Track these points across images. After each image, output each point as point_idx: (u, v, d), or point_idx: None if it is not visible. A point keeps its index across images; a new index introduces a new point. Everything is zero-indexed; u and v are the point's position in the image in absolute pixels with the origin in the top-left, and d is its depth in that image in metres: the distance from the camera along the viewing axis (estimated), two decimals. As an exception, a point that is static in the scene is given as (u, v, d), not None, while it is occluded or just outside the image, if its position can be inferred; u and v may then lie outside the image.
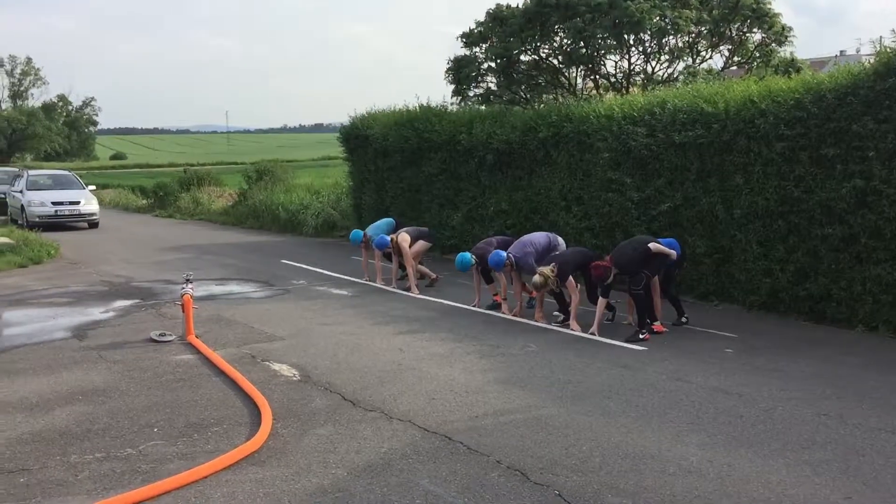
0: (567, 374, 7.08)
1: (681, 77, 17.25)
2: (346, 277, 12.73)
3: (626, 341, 8.17)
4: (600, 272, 8.45)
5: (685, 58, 17.70)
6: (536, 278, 8.78)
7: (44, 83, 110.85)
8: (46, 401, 6.51)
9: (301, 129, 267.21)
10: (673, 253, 8.63)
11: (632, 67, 18.02)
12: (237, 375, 7.00)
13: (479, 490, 4.65)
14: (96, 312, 10.21)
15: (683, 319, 8.96)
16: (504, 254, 9.50)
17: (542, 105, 16.85)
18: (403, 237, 11.34)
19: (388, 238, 11.47)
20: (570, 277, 8.83)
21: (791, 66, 16.57)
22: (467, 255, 10.01)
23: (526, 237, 9.93)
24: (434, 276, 11.80)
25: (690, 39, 17.47)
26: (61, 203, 22.34)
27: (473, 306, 10.16)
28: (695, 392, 6.49)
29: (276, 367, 7.49)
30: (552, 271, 8.71)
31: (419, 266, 11.79)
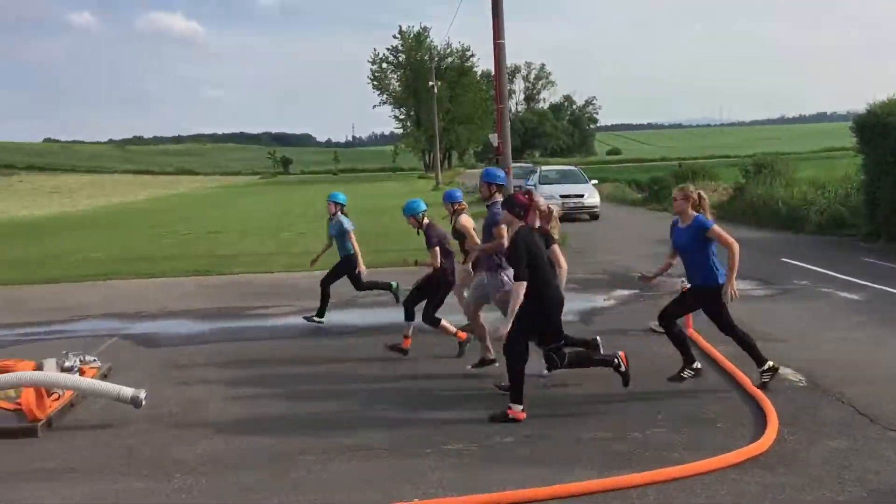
0: None
1: None
2: (855, 280, 11.61)
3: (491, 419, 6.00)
4: (519, 203, 6.12)
5: None
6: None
7: (553, 85, 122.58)
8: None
9: (800, 120, 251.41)
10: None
11: None
12: (738, 374, 6.88)
13: None
14: (599, 300, 10.91)
15: (684, 375, 6.81)
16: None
17: None
18: (468, 219, 8.51)
19: (459, 196, 8.56)
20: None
21: None
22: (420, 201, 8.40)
23: None
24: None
25: None
26: (568, 196, 24.31)
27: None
28: None
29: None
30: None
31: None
